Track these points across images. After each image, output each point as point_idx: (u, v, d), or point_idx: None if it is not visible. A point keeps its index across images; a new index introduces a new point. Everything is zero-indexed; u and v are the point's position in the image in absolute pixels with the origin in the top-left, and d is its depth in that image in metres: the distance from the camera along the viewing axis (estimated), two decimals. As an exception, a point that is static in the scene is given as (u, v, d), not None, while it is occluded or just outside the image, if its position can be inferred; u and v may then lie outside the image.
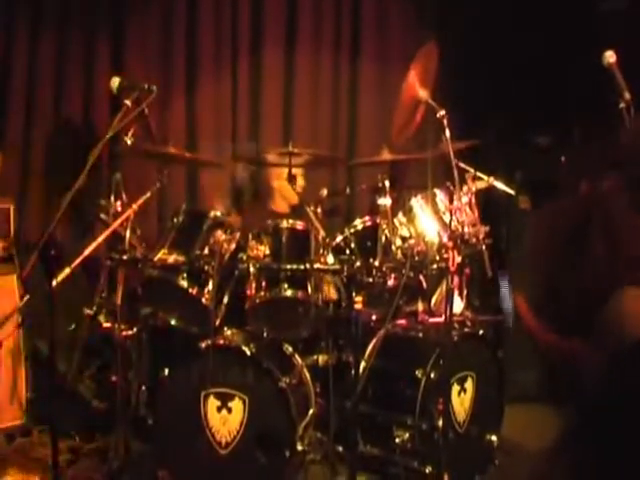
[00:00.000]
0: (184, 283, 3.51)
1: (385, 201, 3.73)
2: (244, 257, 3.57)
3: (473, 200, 3.71)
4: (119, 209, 3.58)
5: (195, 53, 5.06)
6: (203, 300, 3.51)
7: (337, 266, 3.55)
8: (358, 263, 3.58)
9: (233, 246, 3.62)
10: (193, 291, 3.51)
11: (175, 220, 3.66)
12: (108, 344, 3.77)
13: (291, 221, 3.64)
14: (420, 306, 4.08)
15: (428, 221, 3.78)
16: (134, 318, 3.76)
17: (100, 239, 3.39)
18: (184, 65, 5.03)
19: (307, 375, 3.80)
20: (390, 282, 3.62)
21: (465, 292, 4.05)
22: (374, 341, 3.80)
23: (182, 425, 3.51)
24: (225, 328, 3.77)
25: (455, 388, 3.70)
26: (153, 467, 3.54)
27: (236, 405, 3.45)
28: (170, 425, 3.53)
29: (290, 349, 3.84)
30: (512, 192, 4.08)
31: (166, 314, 3.75)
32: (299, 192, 4.26)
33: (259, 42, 5.23)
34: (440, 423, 3.40)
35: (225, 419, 3.45)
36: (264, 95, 5.27)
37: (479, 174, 3.88)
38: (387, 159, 3.90)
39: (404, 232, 3.77)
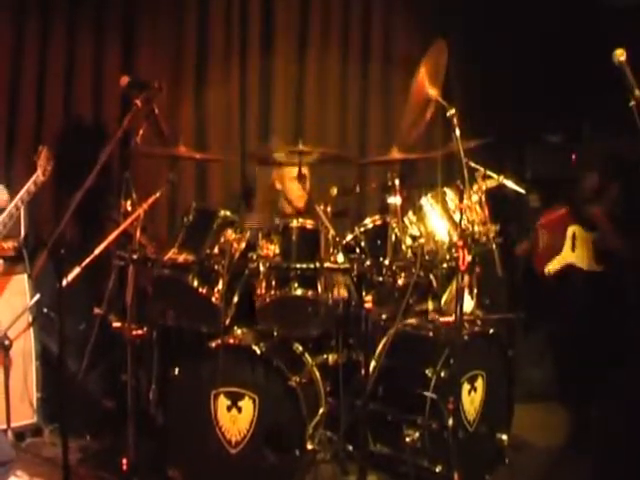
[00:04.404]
0: (194, 282, 3.51)
1: (395, 200, 3.72)
2: (254, 256, 3.57)
3: (483, 199, 3.70)
4: (129, 208, 3.57)
5: (205, 52, 5.06)
6: (213, 299, 3.51)
7: (347, 265, 3.55)
8: (368, 262, 3.58)
9: (243, 245, 3.62)
10: (203, 290, 3.51)
11: (185, 219, 3.66)
12: (118, 343, 3.77)
13: (301, 220, 3.64)
14: (430, 305, 4.08)
15: (438, 220, 3.78)
16: (144, 317, 3.77)
17: (110, 238, 3.39)
18: (194, 64, 5.02)
19: (317, 374, 3.80)
20: (400, 281, 3.61)
21: (475, 291, 4.04)
22: (384, 340, 3.79)
23: (192, 424, 3.51)
24: (235, 327, 3.78)
25: (465, 387, 3.69)
26: (163, 466, 3.55)
27: (246, 404, 3.45)
28: (180, 424, 3.54)
29: (300, 348, 3.84)
30: (522, 190, 4.06)
31: (176, 313, 3.76)
32: (305, 194, 4.26)
33: (269, 42, 5.22)
34: (450, 422, 3.39)
35: (235, 418, 3.45)
36: (274, 94, 5.26)
37: (489, 172, 3.86)
38: (397, 158, 3.89)
39: (414, 231, 3.77)
